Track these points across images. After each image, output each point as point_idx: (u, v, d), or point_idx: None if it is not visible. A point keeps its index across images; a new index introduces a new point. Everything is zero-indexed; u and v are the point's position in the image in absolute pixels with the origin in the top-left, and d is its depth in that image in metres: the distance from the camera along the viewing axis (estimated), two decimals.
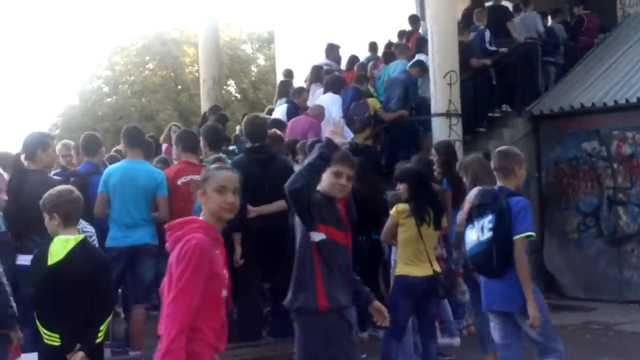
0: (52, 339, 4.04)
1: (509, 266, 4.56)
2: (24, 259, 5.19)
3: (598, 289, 5.91)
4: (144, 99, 30.33)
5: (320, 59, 11.81)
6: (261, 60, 34.46)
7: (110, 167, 6.48)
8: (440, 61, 9.30)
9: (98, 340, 4.18)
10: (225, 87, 26.45)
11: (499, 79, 10.78)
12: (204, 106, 12.97)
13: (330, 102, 9.59)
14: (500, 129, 10.55)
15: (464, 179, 5.87)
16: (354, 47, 12.48)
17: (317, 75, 10.96)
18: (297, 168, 6.69)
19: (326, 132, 4.15)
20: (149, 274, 6.19)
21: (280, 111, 10.13)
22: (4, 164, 5.55)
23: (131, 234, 6.12)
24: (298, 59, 13.21)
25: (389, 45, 12.17)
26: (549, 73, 11.62)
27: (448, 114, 9.18)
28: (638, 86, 9.74)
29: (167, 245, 3.22)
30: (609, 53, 11.22)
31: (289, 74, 12.07)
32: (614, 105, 9.67)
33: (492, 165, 4.97)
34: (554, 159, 10.26)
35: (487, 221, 4.64)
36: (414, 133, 9.97)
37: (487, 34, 10.69)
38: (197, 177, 6.35)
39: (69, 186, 4.60)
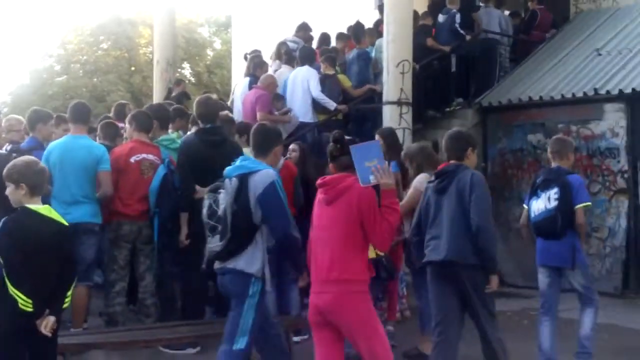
0: (26, 304, 4.05)
1: (568, 229, 5.69)
2: None
3: (536, 277, 6.14)
4: (95, 79, 29.88)
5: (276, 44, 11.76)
6: (217, 45, 34.23)
7: (52, 144, 6.42)
8: (395, 50, 9.41)
9: (65, 306, 4.25)
10: (179, 70, 26.16)
11: (458, 68, 10.96)
12: (157, 88, 12.85)
13: (307, 76, 9.56)
14: (450, 119, 10.73)
15: (409, 168, 6.09)
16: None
17: (279, 52, 10.89)
18: (246, 150, 6.75)
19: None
20: (89, 252, 6.16)
21: (242, 85, 10.18)
22: None
23: (71, 211, 5.92)
24: (255, 44, 13.12)
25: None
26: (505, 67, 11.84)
27: (399, 103, 9.31)
28: (585, 81, 9.96)
29: (330, 195, 4.17)
30: (560, 48, 11.43)
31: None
32: (561, 99, 9.89)
33: (549, 148, 6.04)
34: (500, 149, 10.47)
35: (553, 193, 5.70)
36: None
37: (458, 17, 10.88)
38: (149, 156, 6.40)
39: (34, 158, 4.57)
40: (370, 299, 4.27)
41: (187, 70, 31.45)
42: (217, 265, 4.67)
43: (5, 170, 4.27)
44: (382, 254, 5.51)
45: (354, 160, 4.05)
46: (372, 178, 4.03)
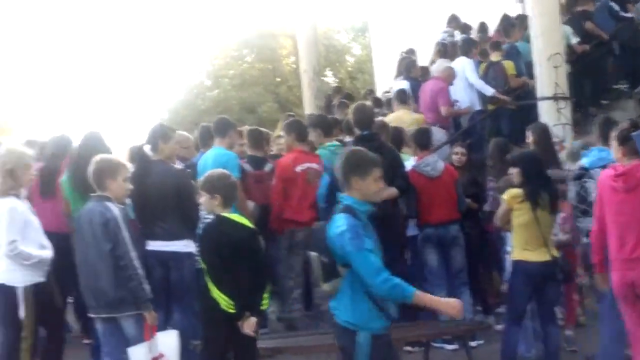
0: (229, 306, 4.34)
1: None
2: (153, 245, 5.53)
3: None
4: (243, 92, 30.92)
5: (414, 45, 11.74)
6: (356, 50, 34.49)
7: (203, 157, 6.73)
8: (544, 43, 9.12)
9: (263, 308, 4.52)
10: (322, 77, 26.65)
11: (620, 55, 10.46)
12: (306, 97, 13.20)
13: (463, 66, 9.52)
14: (610, 110, 10.23)
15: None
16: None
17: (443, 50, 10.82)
18: (406, 159, 6.83)
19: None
20: None
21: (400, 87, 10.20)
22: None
23: None
24: (394, 46, 13.17)
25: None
26: None
27: (555, 97, 9.00)
28: None
29: (630, 183, 4.60)
30: None
31: (410, 52, 11.94)
32: None
33: None
34: None
35: None
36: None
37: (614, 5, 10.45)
38: (313, 165, 6.60)
39: (226, 171, 4.91)
40: None
41: (329, 78, 31.92)
42: None
43: (201, 182, 4.66)
44: (558, 255, 5.40)
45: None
46: None
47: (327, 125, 7.44)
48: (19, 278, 4.82)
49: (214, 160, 6.36)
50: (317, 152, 7.03)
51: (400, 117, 8.80)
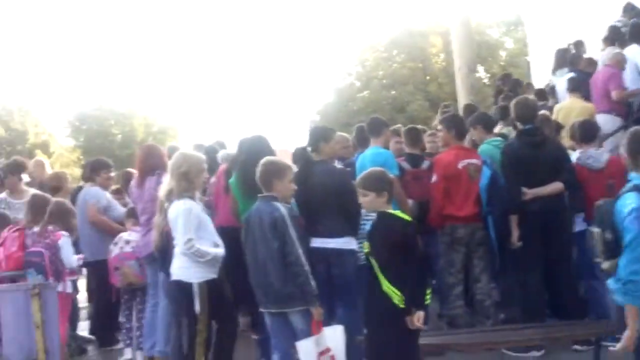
0: (401, 300, 4.36)
1: None
2: (315, 242, 5.64)
3: None
4: (394, 92, 31.03)
5: (573, 34, 11.20)
6: (509, 44, 33.61)
7: (361, 157, 6.79)
8: None
9: (427, 303, 4.50)
10: (474, 73, 26.19)
11: None
12: (460, 94, 13.02)
13: (634, 54, 9.05)
14: None
15: None
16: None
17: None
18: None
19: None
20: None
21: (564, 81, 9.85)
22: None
23: None
24: (552, 38, 12.65)
25: None
26: None
27: None
28: None
29: None
30: None
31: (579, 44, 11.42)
32: None
33: None
34: None
35: None
36: None
37: None
38: (473, 161, 6.50)
39: (382, 169, 4.96)
40: None
41: (481, 73, 31.32)
42: None
43: (366, 181, 4.68)
44: None
45: None
46: None
47: (488, 122, 7.34)
48: (194, 275, 5.07)
49: (371, 160, 6.43)
50: (481, 148, 6.94)
51: (569, 106, 8.48)
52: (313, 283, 4.83)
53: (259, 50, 77.92)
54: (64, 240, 6.22)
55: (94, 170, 7.49)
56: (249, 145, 6.20)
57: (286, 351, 4.97)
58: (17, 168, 7.72)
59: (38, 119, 41.44)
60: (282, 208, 4.89)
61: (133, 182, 6.92)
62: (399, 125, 9.35)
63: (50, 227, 6.27)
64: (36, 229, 6.34)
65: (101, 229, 7.15)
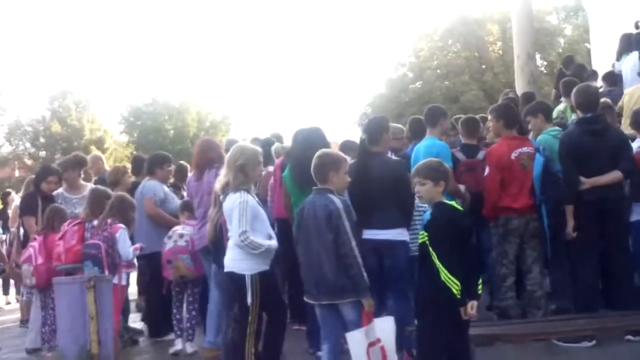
0: (459, 292, 4.28)
1: None
2: (367, 233, 5.58)
3: None
4: (447, 82, 30.69)
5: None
6: (568, 31, 32.85)
7: (415, 148, 6.69)
8: None
9: (478, 293, 4.44)
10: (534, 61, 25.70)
11: None
12: (518, 82, 12.74)
13: None
14: None
15: None
16: None
17: None
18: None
19: None
20: None
21: (633, 59, 9.57)
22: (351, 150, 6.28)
23: None
24: (614, 22, 12.24)
25: None
26: None
27: None
28: None
29: None
30: None
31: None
32: None
33: None
34: None
35: None
36: None
37: None
38: (524, 149, 6.35)
39: (439, 159, 4.91)
40: None
41: (538, 61, 30.72)
42: None
43: (423, 170, 4.63)
44: None
45: None
46: None
47: (548, 111, 7.17)
48: (247, 266, 5.07)
49: (425, 151, 6.36)
50: (540, 138, 6.78)
51: (632, 92, 8.26)
52: (365, 275, 4.78)
53: (309, 42, 78.09)
54: (121, 233, 6.34)
55: (154, 164, 7.55)
56: (304, 138, 6.18)
57: (336, 342, 4.94)
58: (78, 164, 7.89)
59: (94, 114, 42.41)
60: (337, 200, 4.85)
61: (190, 176, 6.98)
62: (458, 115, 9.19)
63: (109, 220, 6.40)
64: (95, 222, 6.47)
65: (157, 222, 7.23)
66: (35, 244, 6.80)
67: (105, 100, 71.34)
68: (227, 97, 73.38)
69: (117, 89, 72.17)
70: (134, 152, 39.21)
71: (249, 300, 5.06)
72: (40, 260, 6.69)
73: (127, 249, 6.35)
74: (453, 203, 4.67)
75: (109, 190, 6.93)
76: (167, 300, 6.86)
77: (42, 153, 41.47)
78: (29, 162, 40.66)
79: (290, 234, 5.34)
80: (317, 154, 5.04)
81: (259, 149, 5.56)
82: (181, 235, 6.56)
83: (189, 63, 70.93)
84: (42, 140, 41.31)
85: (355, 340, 4.69)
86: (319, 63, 55.62)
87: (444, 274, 4.32)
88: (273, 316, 5.33)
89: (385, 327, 4.81)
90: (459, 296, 4.27)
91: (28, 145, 42.43)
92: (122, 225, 6.38)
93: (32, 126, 41.98)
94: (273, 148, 8.03)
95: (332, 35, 73.41)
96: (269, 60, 76.68)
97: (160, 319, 7.32)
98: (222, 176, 5.32)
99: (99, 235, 6.35)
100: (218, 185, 5.36)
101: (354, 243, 4.78)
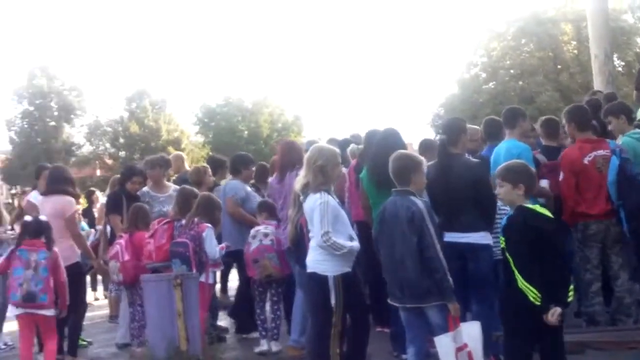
0: (536, 298, 4.21)
1: None
2: (449, 236, 5.56)
3: None
4: (521, 82, 30.14)
5: None
6: None
7: (495, 150, 6.59)
8: None
9: (569, 300, 4.35)
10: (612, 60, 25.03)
11: None
12: (596, 82, 12.44)
13: None
14: None
15: None
16: None
17: None
18: None
19: None
20: None
21: None
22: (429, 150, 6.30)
23: None
24: None
25: None
26: None
27: None
28: None
29: None
30: None
31: None
32: None
33: None
34: None
35: None
36: None
37: None
38: (599, 152, 6.24)
39: (524, 161, 4.87)
40: None
41: (615, 61, 29.86)
42: None
43: (502, 173, 4.58)
44: None
45: None
46: None
47: (630, 112, 7.01)
48: (329, 268, 5.10)
49: (506, 153, 6.28)
50: (622, 140, 6.63)
51: None
52: (450, 278, 4.77)
53: (381, 43, 77.82)
54: (208, 232, 6.47)
55: (240, 164, 7.80)
56: (381, 139, 6.20)
57: (421, 346, 4.95)
58: (165, 163, 8.14)
59: (171, 115, 43.32)
60: (419, 202, 4.84)
61: (272, 179, 7.11)
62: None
63: (195, 220, 6.56)
64: (183, 221, 6.65)
65: (238, 221, 7.40)
66: (122, 241, 7.01)
67: (179, 101, 72.72)
68: (299, 98, 73.70)
69: (191, 90, 73.58)
70: (210, 153, 39.96)
71: (333, 301, 5.08)
72: (127, 257, 6.89)
73: (214, 248, 6.48)
74: (536, 207, 4.53)
75: (195, 190, 7.12)
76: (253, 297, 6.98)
77: (122, 153, 42.69)
78: (109, 161, 41.94)
79: (369, 236, 5.38)
80: (396, 155, 5.04)
81: (337, 149, 5.56)
82: (266, 235, 6.66)
83: (261, 63, 71.75)
84: (121, 140, 42.49)
85: (444, 344, 4.69)
86: (390, 63, 55.35)
87: (521, 281, 4.27)
88: (357, 317, 5.34)
89: (472, 332, 4.77)
90: (537, 303, 4.19)
91: (108, 145, 43.76)
92: (209, 225, 6.52)
93: (111, 126, 43.28)
94: (349, 149, 8.07)
95: (403, 34, 72.92)
96: (340, 61, 76.81)
97: (246, 316, 7.46)
98: (302, 177, 5.34)
99: (186, 234, 6.51)
100: (297, 185, 5.39)
101: (438, 246, 4.77)
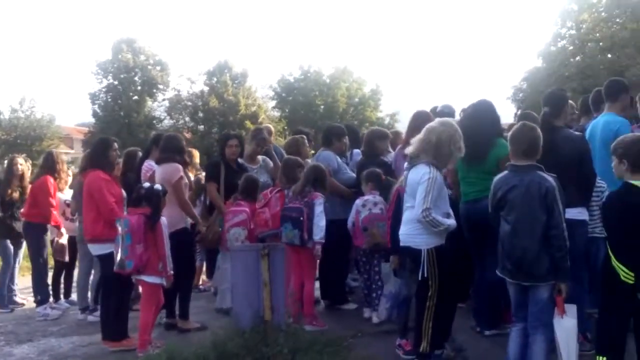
0: (628, 277, 4.14)
1: None
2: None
3: None
4: (610, 55, 29.07)
5: None
6: None
7: (592, 123, 6.38)
8: None
9: None
10: None
11: None
12: None
13: None
14: None
15: None
16: None
17: None
18: None
19: None
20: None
21: None
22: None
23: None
24: None
25: None
26: None
27: None
28: None
29: None
30: None
31: None
32: None
33: None
34: None
35: None
36: None
37: None
38: None
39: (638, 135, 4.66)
40: None
41: None
42: None
43: (615, 144, 4.53)
44: None
45: None
46: None
47: None
48: (423, 241, 5.03)
49: (603, 127, 6.07)
50: None
51: None
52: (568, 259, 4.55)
53: (459, 12, 76.35)
54: (319, 201, 6.62)
55: (333, 135, 7.87)
56: (473, 111, 6.04)
57: (526, 323, 4.74)
58: (259, 135, 8.24)
59: (250, 89, 43.76)
60: (551, 179, 4.61)
61: (399, 147, 7.04)
62: None
63: (307, 188, 6.69)
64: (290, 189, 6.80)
65: (331, 191, 7.42)
66: (247, 209, 7.13)
67: (259, 74, 73.28)
68: (378, 71, 73.32)
69: (271, 62, 74.06)
70: (285, 128, 40.17)
71: (425, 274, 5.01)
72: (252, 226, 7.07)
73: (322, 217, 6.58)
74: None
75: (300, 159, 7.25)
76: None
77: (201, 127, 43.48)
78: (188, 135, 42.75)
79: (455, 212, 5.22)
80: (523, 125, 4.86)
81: (456, 128, 5.19)
82: (375, 203, 6.61)
83: (342, 34, 71.54)
84: (200, 114, 43.26)
85: (567, 328, 4.54)
86: (466, 36, 54.27)
87: (613, 259, 4.16)
88: (445, 292, 5.19)
89: (570, 313, 4.59)
90: (630, 281, 4.05)
91: (187, 119, 44.66)
92: (319, 194, 6.66)
93: (191, 101, 44.10)
94: None
95: (481, 5, 71.25)
96: (417, 34, 75.93)
97: (337, 287, 7.54)
98: (413, 147, 5.17)
99: (299, 200, 6.66)
100: (410, 149, 5.21)
101: (564, 224, 4.56)
